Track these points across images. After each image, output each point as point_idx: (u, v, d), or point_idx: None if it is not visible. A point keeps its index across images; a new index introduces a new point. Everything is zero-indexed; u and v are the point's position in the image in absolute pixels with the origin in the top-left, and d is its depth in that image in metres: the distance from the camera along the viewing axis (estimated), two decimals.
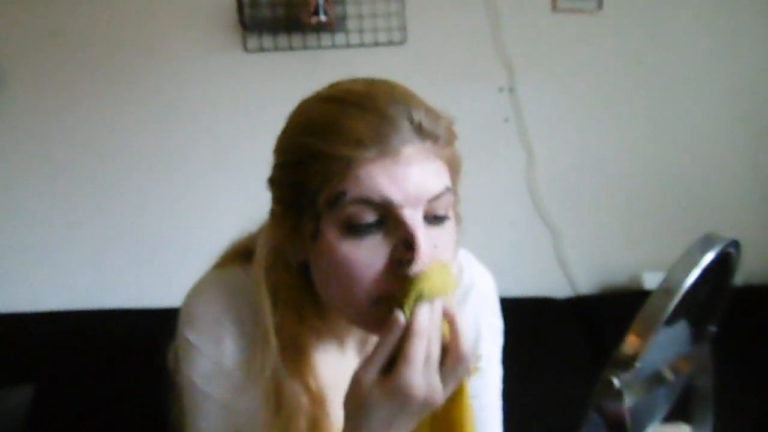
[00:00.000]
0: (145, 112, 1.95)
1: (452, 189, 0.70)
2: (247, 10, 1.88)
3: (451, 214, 0.70)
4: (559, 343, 1.79)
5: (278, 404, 0.71)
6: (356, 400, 0.64)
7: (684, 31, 1.99)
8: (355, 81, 0.71)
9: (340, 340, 0.81)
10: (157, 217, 1.95)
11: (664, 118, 2.00)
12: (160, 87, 1.94)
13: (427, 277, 0.63)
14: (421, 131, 0.66)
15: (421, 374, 0.62)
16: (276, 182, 0.71)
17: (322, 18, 1.83)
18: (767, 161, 2.01)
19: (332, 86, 0.72)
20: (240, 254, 0.81)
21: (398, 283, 0.64)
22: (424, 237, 0.65)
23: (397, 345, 0.63)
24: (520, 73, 1.96)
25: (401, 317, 0.62)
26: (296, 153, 0.68)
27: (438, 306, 0.64)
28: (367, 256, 0.65)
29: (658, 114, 2.00)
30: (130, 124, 1.94)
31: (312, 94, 0.73)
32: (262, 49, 1.93)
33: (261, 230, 0.79)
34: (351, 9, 1.92)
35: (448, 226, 0.69)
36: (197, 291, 0.79)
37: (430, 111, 0.69)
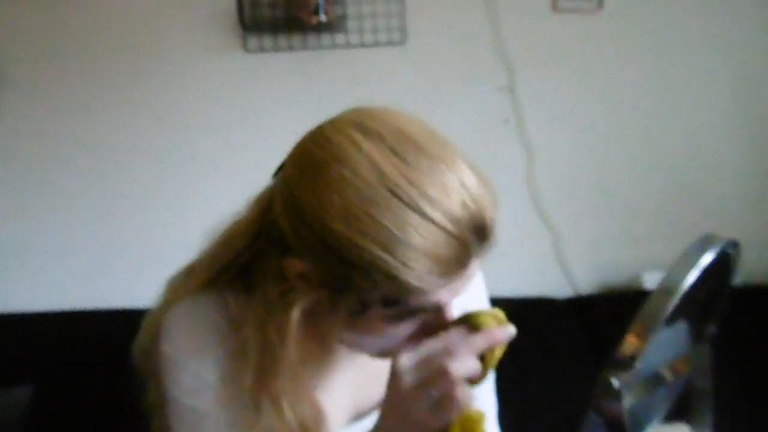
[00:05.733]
0: (145, 113, 1.95)
1: None
2: (247, 10, 1.88)
3: None
4: (559, 343, 1.79)
5: (258, 412, 0.71)
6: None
7: (684, 30, 1.98)
8: (428, 171, 0.62)
9: (323, 339, 0.81)
10: (157, 217, 1.95)
11: (664, 118, 2.00)
12: (160, 87, 1.94)
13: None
14: (492, 240, 0.65)
15: (414, 360, 0.65)
16: (310, 249, 0.65)
17: (322, 18, 1.83)
18: (767, 161, 2.01)
19: (398, 173, 0.62)
20: (214, 278, 0.78)
21: (411, 344, 0.68)
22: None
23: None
24: (520, 73, 1.96)
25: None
26: (356, 256, 0.62)
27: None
28: (403, 330, 0.68)
29: (658, 114, 2.00)
30: (130, 124, 1.94)
31: (363, 163, 0.62)
32: (262, 49, 1.92)
33: (232, 244, 0.77)
34: (351, 9, 1.92)
35: None
36: (174, 307, 0.78)
37: (493, 198, 0.66)
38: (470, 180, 0.63)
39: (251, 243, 0.74)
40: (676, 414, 0.77)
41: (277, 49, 1.92)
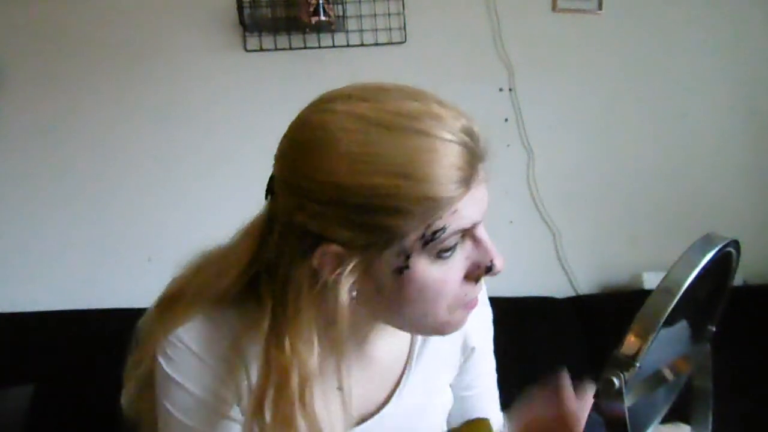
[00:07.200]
0: (145, 112, 1.95)
1: None
2: (247, 10, 1.88)
3: None
4: (559, 343, 1.78)
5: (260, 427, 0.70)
6: None
7: (684, 31, 1.99)
8: (401, 100, 0.65)
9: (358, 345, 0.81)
10: (156, 216, 1.96)
11: (664, 118, 2.00)
12: (160, 87, 1.94)
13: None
14: (486, 147, 0.67)
15: None
16: (335, 222, 0.65)
17: (322, 18, 1.84)
18: (767, 161, 2.01)
19: (376, 109, 0.64)
20: (215, 297, 0.77)
21: (470, 287, 0.70)
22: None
23: None
24: (520, 73, 1.96)
25: None
26: (379, 197, 0.62)
27: None
28: (453, 272, 0.68)
29: (658, 114, 2.00)
30: (130, 123, 1.95)
31: (343, 120, 0.64)
32: (262, 49, 1.93)
33: (233, 258, 0.75)
34: (351, 9, 1.92)
35: None
36: (174, 321, 0.77)
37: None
38: (443, 100, 0.67)
39: (254, 260, 0.73)
40: (676, 414, 0.76)
41: (277, 49, 1.93)
